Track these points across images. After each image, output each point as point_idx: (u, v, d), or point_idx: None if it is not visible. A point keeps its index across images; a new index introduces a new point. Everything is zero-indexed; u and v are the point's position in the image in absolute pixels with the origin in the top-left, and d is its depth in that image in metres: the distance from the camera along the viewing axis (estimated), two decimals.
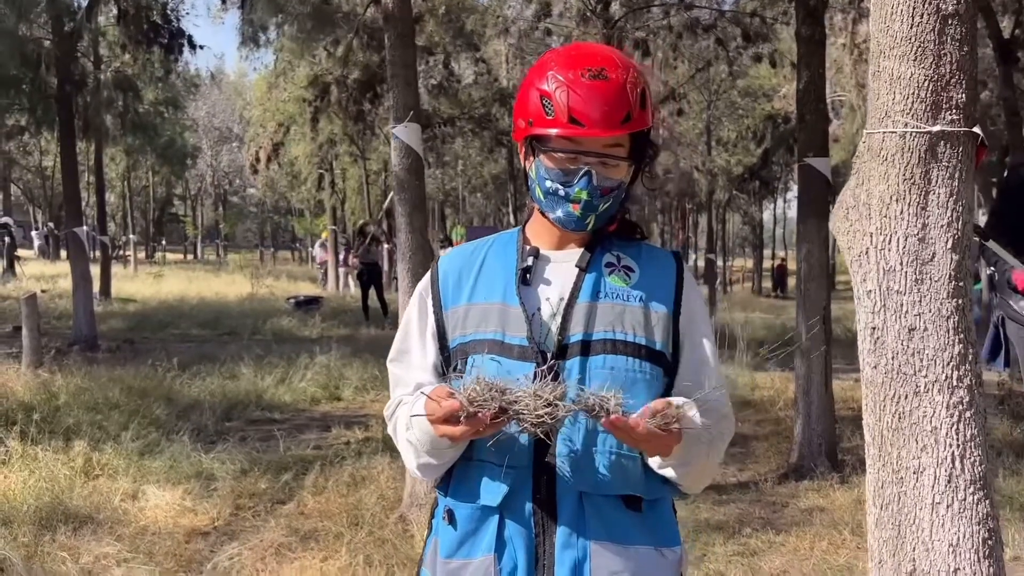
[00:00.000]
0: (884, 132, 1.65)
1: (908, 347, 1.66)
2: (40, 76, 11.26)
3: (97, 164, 17.98)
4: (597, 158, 1.46)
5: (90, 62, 14.31)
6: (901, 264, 1.66)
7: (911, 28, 1.61)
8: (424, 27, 15.56)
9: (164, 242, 45.01)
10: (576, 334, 1.46)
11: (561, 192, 1.48)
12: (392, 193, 4.87)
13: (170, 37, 11.52)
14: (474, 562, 1.47)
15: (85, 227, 11.15)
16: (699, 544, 4.15)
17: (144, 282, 20.71)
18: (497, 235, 1.64)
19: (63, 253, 27.36)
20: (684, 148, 25.19)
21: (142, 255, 35.63)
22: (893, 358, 1.67)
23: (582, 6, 12.64)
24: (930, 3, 1.60)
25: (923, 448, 1.65)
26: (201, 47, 13.65)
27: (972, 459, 1.64)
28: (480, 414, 1.30)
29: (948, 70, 1.60)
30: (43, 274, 20.67)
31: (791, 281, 28.06)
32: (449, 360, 1.55)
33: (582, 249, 1.54)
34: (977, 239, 5.58)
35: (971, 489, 1.64)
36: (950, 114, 1.61)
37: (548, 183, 1.49)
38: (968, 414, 1.64)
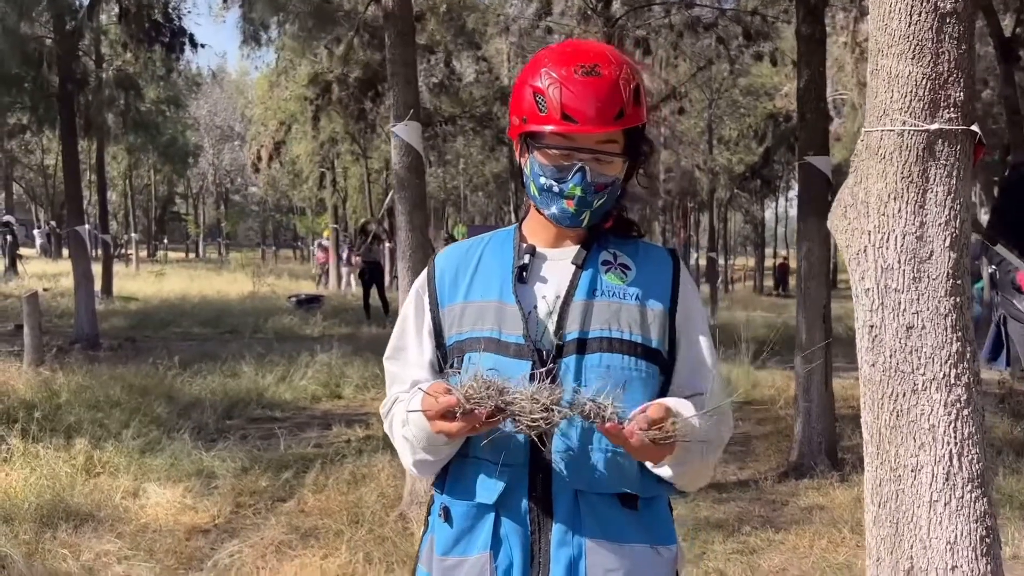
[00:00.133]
0: (882, 130, 1.65)
1: (906, 345, 1.65)
2: (42, 75, 11.28)
3: (99, 163, 17.99)
4: (591, 154, 1.45)
5: (92, 61, 14.30)
6: (899, 262, 1.65)
7: (909, 26, 1.61)
8: (425, 25, 15.55)
9: (166, 240, 45.10)
10: (572, 332, 1.46)
11: (555, 188, 1.47)
12: (393, 191, 4.87)
13: (171, 36, 11.52)
14: (470, 559, 1.47)
15: (87, 225, 11.15)
16: (699, 542, 4.14)
17: (146, 280, 20.75)
18: (494, 232, 1.64)
19: (65, 251, 27.36)
20: (685, 147, 25.21)
21: (144, 254, 35.74)
22: (891, 356, 1.67)
23: (583, 4, 12.63)
24: (928, 1, 1.59)
25: (921, 446, 1.65)
26: (202, 46, 13.63)
27: (970, 457, 1.64)
28: (476, 411, 1.30)
29: (946, 68, 1.60)
30: (45, 272, 20.70)
31: (793, 280, 28.03)
32: (446, 357, 1.55)
33: (578, 246, 1.54)
34: (982, 239, 5.60)
35: (969, 487, 1.63)
36: (948, 112, 1.61)
37: (542, 180, 1.48)
38: (966, 412, 1.64)
